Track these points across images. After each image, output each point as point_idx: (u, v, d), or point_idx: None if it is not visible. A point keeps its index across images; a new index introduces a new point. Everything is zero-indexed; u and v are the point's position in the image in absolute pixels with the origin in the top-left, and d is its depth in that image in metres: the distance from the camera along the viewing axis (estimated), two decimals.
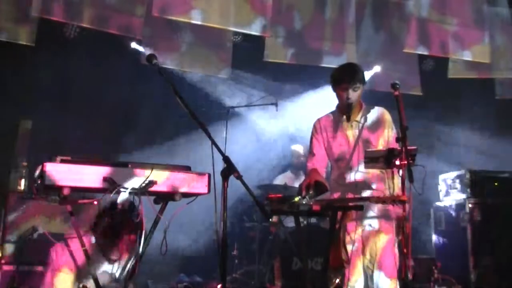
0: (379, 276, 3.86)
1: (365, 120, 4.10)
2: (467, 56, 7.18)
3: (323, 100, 7.14)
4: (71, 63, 6.66)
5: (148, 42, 6.67)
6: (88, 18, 6.19)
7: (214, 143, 2.98)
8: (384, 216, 3.93)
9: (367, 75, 6.36)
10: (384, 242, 3.90)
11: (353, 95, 4.02)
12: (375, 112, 4.13)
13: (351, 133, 4.09)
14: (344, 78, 4.04)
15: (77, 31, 6.52)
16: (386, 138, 4.05)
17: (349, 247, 3.97)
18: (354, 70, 4.12)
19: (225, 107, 6.78)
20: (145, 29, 6.53)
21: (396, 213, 3.88)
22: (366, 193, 3.97)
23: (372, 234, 3.93)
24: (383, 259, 3.87)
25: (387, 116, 4.11)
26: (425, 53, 7.26)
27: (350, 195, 3.97)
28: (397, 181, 3.72)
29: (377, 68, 7.45)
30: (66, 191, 2.93)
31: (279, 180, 7.11)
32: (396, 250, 3.87)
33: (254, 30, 6.63)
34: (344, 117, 4.12)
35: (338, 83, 4.06)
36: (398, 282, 3.82)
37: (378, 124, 4.08)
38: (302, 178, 7.20)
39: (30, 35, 6.05)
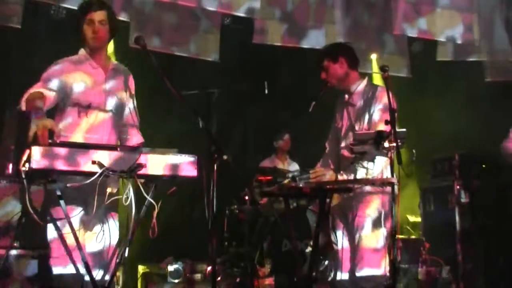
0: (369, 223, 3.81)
1: (361, 99, 3.97)
2: (453, 38, 7.19)
3: None
4: (58, 45, 6.58)
5: (136, 23, 6.59)
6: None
7: (203, 126, 2.96)
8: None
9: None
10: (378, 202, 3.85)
11: (322, 73, 4.00)
12: (370, 93, 3.96)
13: (344, 114, 4.07)
14: (317, 57, 4.06)
15: (64, 12, 6.44)
16: (371, 119, 3.88)
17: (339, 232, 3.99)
18: (322, 49, 4.14)
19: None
20: (133, 10, 6.46)
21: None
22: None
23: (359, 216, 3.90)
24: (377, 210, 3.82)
25: (380, 98, 3.87)
26: (413, 35, 7.26)
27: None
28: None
29: (373, 56, 7.51)
30: (54, 175, 2.90)
31: (266, 163, 7.12)
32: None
33: (245, 12, 6.60)
34: (344, 96, 4.10)
35: None
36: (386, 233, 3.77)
37: (368, 105, 3.93)
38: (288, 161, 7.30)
39: (17, 17, 5.98)
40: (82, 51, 3.63)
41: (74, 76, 3.49)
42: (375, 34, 7.43)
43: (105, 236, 3.29)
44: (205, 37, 6.99)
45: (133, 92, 3.72)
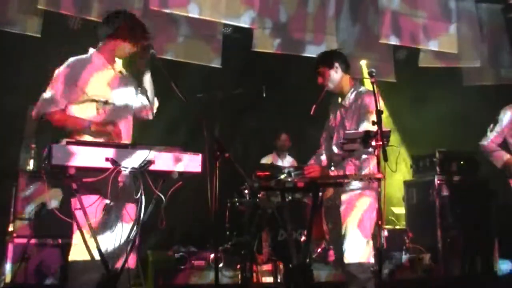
0: (354, 234, 3.80)
1: (352, 102, 3.98)
2: (435, 46, 7.16)
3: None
4: (75, 53, 6.57)
5: None
6: (94, 11, 6.08)
7: (207, 125, 2.96)
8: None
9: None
10: (366, 204, 3.85)
11: (319, 79, 4.01)
12: (359, 95, 3.95)
13: (338, 114, 4.07)
14: (314, 64, 4.05)
15: (80, 23, 6.43)
16: (357, 121, 3.89)
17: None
18: (317, 56, 4.13)
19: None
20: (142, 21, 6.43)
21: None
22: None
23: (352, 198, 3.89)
24: (362, 220, 3.81)
25: (365, 102, 3.88)
26: (397, 43, 7.22)
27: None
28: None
29: (362, 62, 7.47)
30: (71, 171, 2.90)
31: (265, 161, 7.15)
32: (374, 215, 3.81)
33: (243, 22, 6.57)
34: (338, 98, 4.10)
35: None
36: (371, 243, 3.78)
37: (356, 108, 3.94)
38: (286, 159, 7.29)
39: (37, 26, 5.98)
40: (93, 53, 3.57)
41: (86, 75, 3.45)
42: (363, 43, 7.31)
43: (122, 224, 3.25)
44: (207, 45, 6.92)
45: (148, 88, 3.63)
